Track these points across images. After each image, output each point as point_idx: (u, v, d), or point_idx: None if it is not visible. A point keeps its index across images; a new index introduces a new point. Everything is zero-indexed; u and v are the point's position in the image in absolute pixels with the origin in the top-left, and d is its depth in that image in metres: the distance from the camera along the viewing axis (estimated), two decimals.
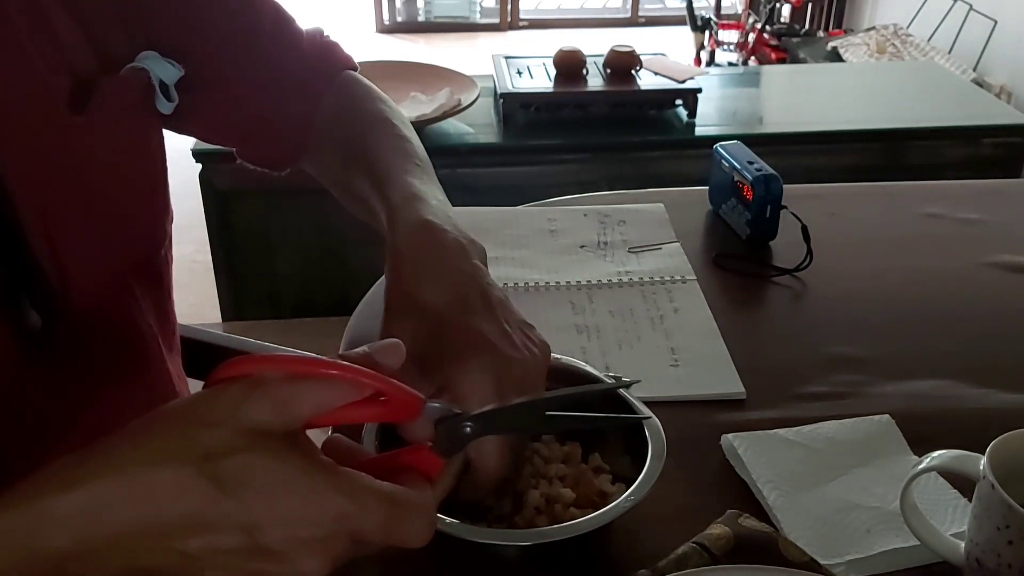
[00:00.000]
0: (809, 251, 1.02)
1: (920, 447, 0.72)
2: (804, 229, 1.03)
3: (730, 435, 0.74)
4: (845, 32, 4.13)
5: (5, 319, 0.58)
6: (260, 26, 0.79)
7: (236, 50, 0.77)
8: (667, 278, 1.00)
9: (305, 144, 0.83)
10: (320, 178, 0.86)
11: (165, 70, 0.69)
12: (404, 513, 0.46)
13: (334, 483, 0.44)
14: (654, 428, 0.67)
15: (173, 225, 0.75)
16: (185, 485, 0.42)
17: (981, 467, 0.59)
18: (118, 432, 0.45)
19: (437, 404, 0.52)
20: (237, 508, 0.42)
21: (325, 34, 0.85)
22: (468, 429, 0.53)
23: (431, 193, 0.69)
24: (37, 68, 0.61)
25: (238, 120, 0.81)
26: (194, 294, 2.47)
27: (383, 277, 0.97)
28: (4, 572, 0.43)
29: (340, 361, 0.46)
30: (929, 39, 3.65)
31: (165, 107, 0.70)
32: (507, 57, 2.30)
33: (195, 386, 0.54)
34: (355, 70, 0.87)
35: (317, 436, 0.49)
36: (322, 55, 0.84)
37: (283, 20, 0.81)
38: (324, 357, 0.46)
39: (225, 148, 0.85)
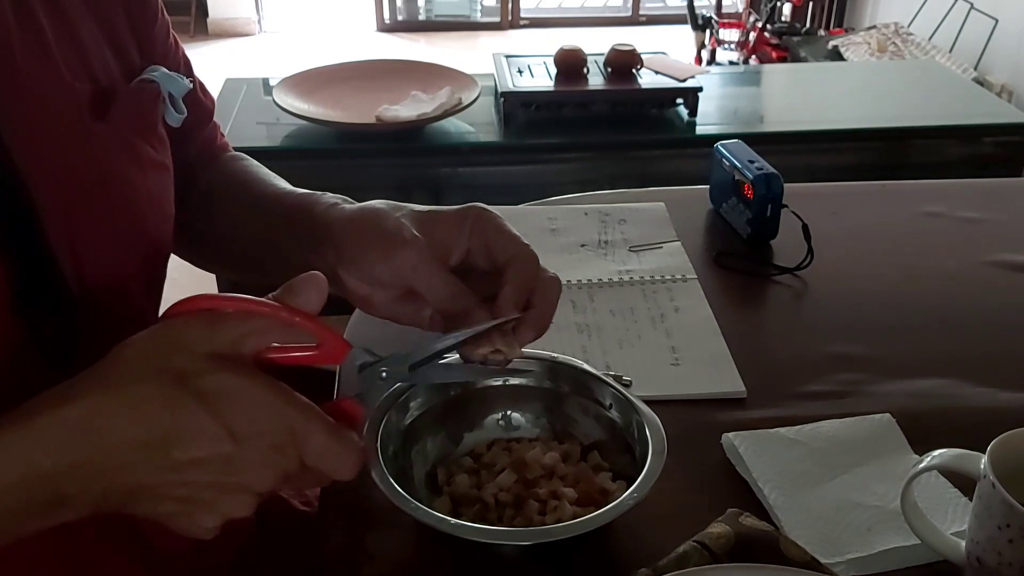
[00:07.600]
0: (810, 250, 1.02)
1: (921, 446, 0.72)
2: (805, 228, 1.03)
3: (731, 434, 0.74)
4: (846, 31, 4.13)
5: (24, 323, 0.58)
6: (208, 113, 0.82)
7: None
8: (668, 277, 1.00)
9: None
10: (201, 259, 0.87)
11: (174, 83, 0.70)
12: (341, 444, 0.51)
13: (289, 399, 0.50)
14: (654, 425, 0.67)
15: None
16: (170, 398, 0.48)
17: (982, 466, 0.59)
18: (97, 362, 0.50)
19: (360, 350, 0.56)
20: (216, 418, 0.48)
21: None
22: (384, 375, 0.56)
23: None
24: (63, 74, 0.61)
25: None
26: (194, 294, 2.47)
27: None
28: (3, 488, 0.46)
29: (284, 303, 0.52)
30: (930, 38, 3.65)
31: (174, 119, 0.71)
32: (508, 56, 2.29)
33: None
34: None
35: None
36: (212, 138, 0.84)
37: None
38: (270, 300, 0.52)
39: None
